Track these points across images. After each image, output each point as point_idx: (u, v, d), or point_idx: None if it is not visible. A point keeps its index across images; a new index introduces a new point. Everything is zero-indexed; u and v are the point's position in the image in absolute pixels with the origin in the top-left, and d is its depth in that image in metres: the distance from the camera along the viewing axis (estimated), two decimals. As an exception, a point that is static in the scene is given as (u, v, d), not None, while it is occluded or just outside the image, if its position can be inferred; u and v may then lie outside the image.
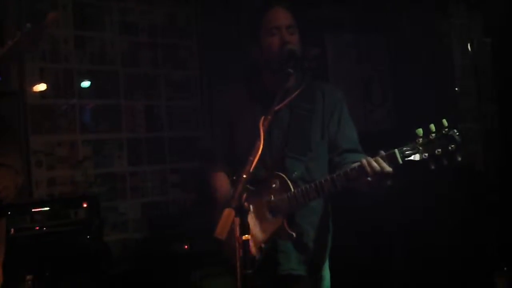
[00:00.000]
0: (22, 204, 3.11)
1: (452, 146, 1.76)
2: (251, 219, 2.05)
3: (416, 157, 1.81)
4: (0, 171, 2.12)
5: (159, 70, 4.10)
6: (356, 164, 1.92)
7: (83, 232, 3.13)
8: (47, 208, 3.11)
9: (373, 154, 1.90)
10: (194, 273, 3.35)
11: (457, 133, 1.76)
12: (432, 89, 3.90)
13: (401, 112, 4.23)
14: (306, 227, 2.15)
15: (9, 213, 2.84)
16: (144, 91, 4.03)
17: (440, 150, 1.77)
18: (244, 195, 1.62)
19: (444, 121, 1.79)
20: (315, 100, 2.20)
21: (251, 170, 1.67)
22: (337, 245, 2.28)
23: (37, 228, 3.05)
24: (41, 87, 3.63)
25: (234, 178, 2.18)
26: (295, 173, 2.10)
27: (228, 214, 1.57)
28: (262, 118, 1.87)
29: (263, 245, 2.06)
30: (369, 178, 1.86)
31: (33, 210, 3.08)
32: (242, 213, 1.61)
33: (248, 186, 1.99)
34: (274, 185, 2.07)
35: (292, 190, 2.03)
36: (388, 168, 1.83)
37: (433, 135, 1.79)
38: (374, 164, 1.84)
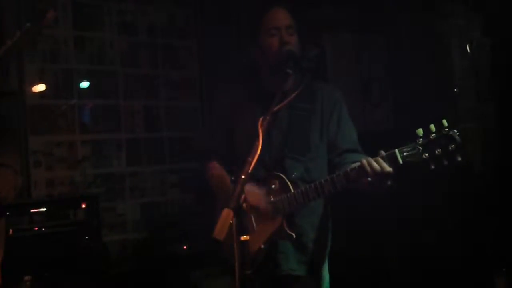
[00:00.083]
0: (21, 205, 3.11)
1: (452, 146, 1.76)
2: (251, 220, 2.05)
3: (417, 157, 1.81)
4: None
5: (158, 70, 4.10)
6: (356, 164, 1.92)
7: (81, 232, 3.13)
8: (46, 209, 3.11)
9: (373, 154, 1.90)
10: (194, 273, 3.35)
11: (457, 133, 1.77)
12: (431, 89, 3.90)
13: (400, 112, 4.23)
14: (306, 227, 2.15)
15: (7, 213, 2.85)
16: (143, 92, 4.03)
17: (440, 150, 1.77)
18: (243, 196, 1.62)
19: (444, 121, 1.79)
20: (314, 100, 2.20)
21: (249, 171, 1.67)
22: (336, 245, 2.28)
23: (36, 228, 3.05)
24: (40, 87, 3.63)
25: (233, 178, 2.18)
26: (295, 173, 2.10)
27: (226, 214, 1.57)
28: (261, 118, 1.87)
29: (262, 246, 2.06)
30: (369, 178, 1.86)
31: (31, 210, 3.08)
32: (240, 213, 1.61)
33: (248, 186, 1.99)
34: (273, 186, 2.07)
35: (292, 190, 2.03)
36: (388, 168, 1.83)
37: (433, 135, 1.79)
38: (374, 164, 1.84)
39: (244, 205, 1.65)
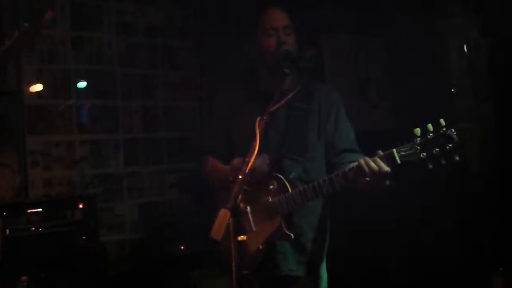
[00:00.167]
0: (18, 205, 3.10)
1: (450, 145, 1.76)
2: (249, 220, 2.05)
3: (414, 156, 1.82)
4: None
5: (157, 70, 4.10)
6: (354, 164, 1.93)
7: (79, 233, 3.12)
8: (43, 209, 3.10)
9: (371, 155, 1.90)
10: (192, 273, 3.35)
11: (455, 133, 1.77)
12: (429, 89, 3.90)
13: (398, 112, 4.24)
14: (305, 228, 2.15)
15: (4, 213, 2.85)
16: (141, 92, 4.03)
17: (438, 149, 1.77)
18: (240, 196, 1.63)
19: (442, 121, 1.79)
20: (311, 100, 2.20)
21: (247, 171, 1.68)
22: (334, 245, 2.28)
23: (33, 228, 3.04)
24: (38, 87, 3.63)
25: (231, 179, 2.18)
26: (293, 174, 2.10)
27: (223, 214, 1.57)
28: (258, 118, 1.87)
29: (261, 246, 2.06)
30: (367, 178, 1.87)
31: (29, 210, 3.07)
32: (237, 214, 1.61)
33: (245, 187, 2.00)
34: (271, 186, 2.07)
35: (290, 191, 2.03)
36: (386, 168, 1.84)
37: (431, 134, 1.79)
38: (372, 164, 1.84)
39: (241, 205, 1.66)
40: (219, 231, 1.55)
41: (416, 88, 3.96)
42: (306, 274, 2.16)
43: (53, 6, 3.66)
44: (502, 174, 3.63)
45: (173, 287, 3.40)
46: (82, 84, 3.80)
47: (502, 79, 3.69)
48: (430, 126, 1.80)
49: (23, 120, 3.55)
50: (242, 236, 1.62)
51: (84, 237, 3.12)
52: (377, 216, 3.65)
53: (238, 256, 1.62)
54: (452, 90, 4.01)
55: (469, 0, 3.86)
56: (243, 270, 1.68)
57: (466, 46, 3.93)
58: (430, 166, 1.80)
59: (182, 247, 3.46)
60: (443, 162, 1.78)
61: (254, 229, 2.05)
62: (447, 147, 1.76)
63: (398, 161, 1.84)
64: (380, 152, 1.87)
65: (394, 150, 1.85)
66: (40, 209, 3.10)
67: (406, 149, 1.83)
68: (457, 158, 1.77)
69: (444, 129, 1.78)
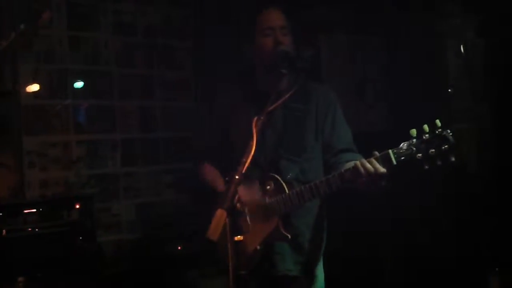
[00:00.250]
0: (15, 205, 3.09)
1: (446, 146, 1.77)
2: (246, 221, 2.05)
3: (410, 157, 1.82)
4: None
5: (154, 70, 4.09)
6: (350, 165, 1.93)
7: (75, 233, 3.12)
8: (40, 209, 3.09)
9: (367, 155, 1.91)
10: (189, 273, 3.35)
11: (451, 134, 1.78)
12: (426, 89, 3.91)
13: (395, 112, 4.24)
14: (302, 228, 2.16)
15: (1, 214, 2.84)
16: (138, 92, 4.02)
17: (433, 150, 1.78)
18: (237, 196, 1.63)
19: (438, 122, 1.80)
20: (308, 101, 2.21)
21: (243, 171, 1.68)
22: (331, 245, 2.28)
23: (30, 229, 3.03)
24: (34, 87, 3.62)
25: (227, 179, 2.18)
26: (290, 174, 2.10)
27: (220, 215, 1.57)
28: (255, 118, 1.87)
29: (258, 247, 2.06)
30: (363, 179, 1.87)
31: (25, 211, 3.06)
32: (234, 214, 1.61)
33: (243, 187, 2.00)
34: (268, 187, 2.07)
35: (287, 191, 2.03)
36: (382, 169, 1.84)
37: (427, 135, 1.80)
38: (368, 165, 1.85)
39: (238, 205, 1.66)
40: (216, 231, 1.56)
41: (413, 88, 3.97)
42: (303, 274, 2.17)
43: (49, 6, 3.65)
44: (498, 174, 3.64)
45: (170, 287, 3.40)
46: (79, 84, 3.79)
47: (499, 79, 3.70)
48: (426, 127, 1.80)
49: (19, 120, 3.54)
50: (239, 236, 1.62)
51: (80, 238, 3.12)
52: (374, 216, 3.65)
53: (235, 256, 1.62)
54: (449, 90, 4.02)
55: (466, 1, 3.87)
56: (240, 270, 1.67)
57: (463, 47, 3.94)
58: (426, 167, 1.80)
59: (179, 247, 3.45)
60: (439, 163, 1.78)
61: (251, 229, 2.05)
62: (443, 148, 1.77)
63: (394, 162, 1.84)
64: (376, 153, 1.87)
65: (390, 151, 1.85)
66: (37, 210, 3.09)
67: (402, 150, 1.83)
68: (453, 159, 1.77)
69: (439, 130, 1.79)
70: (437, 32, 4.00)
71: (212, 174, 2.24)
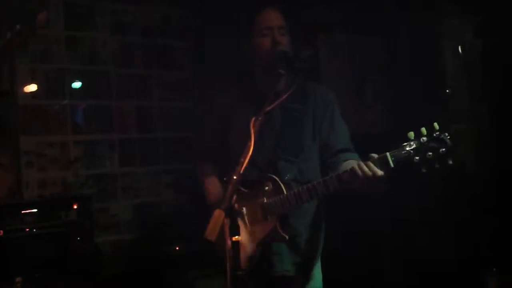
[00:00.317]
0: (12, 205, 3.09)
1: (443, 149, 1.77)
2: (244, 221, 2.05)
3: (408, 160, 1.82)
4: None
5: (152, 70, 4.09)
6: (348, 166, 1.94)
7: (73, 233, 3.11)
8: (38, 209, 3.09)
9: (365, 156, 1.91)
10: (187, 273, 3.34)
11: (448, 137, 1.78)
12: (424, 90, 3.91)
13: (393, 112, 4.24)
14: (299, 228, 2.16)
15: (-2, 214, 2.84)
16: (136, 92, 4.02)
17: (431, 153, 1.78)
18: (234, 196, 1.63)
19: (436, 125, 1.80)
20: (306, 101, 2.21)
21: (241, 171, 1.67)
22: (330, 246, 2.28)
23: (27, 229, 3.03)
24: (32, 87, 3.61)
25: (225, 179, 2.18)
26: (288, 175, 2.10)
27: (218, 215, 1.57)
28: (253, 119, 1.87)
29: (256, 247, 2.06)
30: (361, 181, 1.87)
31: (23, 211, 3.06)
32: (232, 214, 1.61)
33: (241, 187, 2.00)
34: (267, 188, 2.07)
35: (285, 192, 2.03)
36: (380, 172, 1.84)
37: (424, 138, 1.80)
38: (365, 168, 1.85)
39: (236, 205, 1.66)
40: (214, 231, 1.56)
41: (412, 89, 3.97)
42: (301, 274, 2.17)
43: (47, 6, 3.64)
44: (497, 174, 3.64)
45: (169, 288, 3.40)
46: (76, 84, 3.79)
47: (497, 80, 3.71)
48: (424, 130, 1.81)
49: (17, 120, 3.53)
50: (236, 237, 1.62)
51: (78, 238, 3.12)
52: (372, 217, 3.65)
53: (233, 256, 1.61)
54: (447, 90, 4.03)
55: (464, 1, 3.87)
56: (238, 271, 1.67)
57: (461, 47, 3.94)
58: (424, 170, 1.81)
59: (177, 248, 3.45)
60: (437, 166, 1.79)
61: (249, 230, 2.05)
62: (441, 151, 1.77)
63: (392, 165, 1.84)
64: (374, 156, 1.87)
65: (388, 154, 1.85)
66: (35, 210, 3.09)
67: (399, 152, 1.84)
68: (451, 162, 1.78)
69: (437, 133, 1.79)
70: (436, 33, 4.00)
71: (213, 186, 2.24)
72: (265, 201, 2.06)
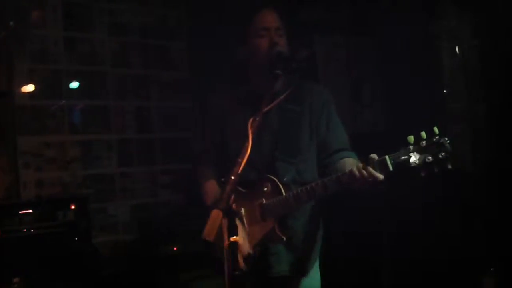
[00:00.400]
0: (10, 206, 3.09)
1: (443, 154, 1.77)
2: (242, 222, 2.05)
3: (407, 164, 1.82)
4: None
5: (150, 71, 4.09)
6: (346, 166, 1.94)
7: (71, 234, 3.11)
8: (35, 210, 3.09)
9: (364, 156, 1.91)
10: (184, 274, 3.34)
11: (448, 141, 1.78)
12: (422, 90, 3.92)
13: (390, 113, 4.25)
14: (297, 229, 2.16)
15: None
16: (134, 92, 4.02)
17: (430, 157, 1.78)
18: (232, 197, 1.63)
19: (435, 129, 1.80)
20: (303, 101, 2.21)
21: (239, 171, 1.67)
22: (327, 246, 2.29)
23: (25, 230, 3.03)
24: (29, 87, 3.61)
25: (223, 180, 2.18)
26: (286, 177, 2.10)
27: (216, 215, 1.57)
28: (251, 119, 1.87)
29: (254, 248, 2.06)
30: (360, 183, 1.88)
31: (20, 211, 3.06)
32: (230, 214, 1.61)
33: (239, 188, 2.00)
34: (265, 189, 2.07)
35: (284, 193, 2.03)
36: (381, 176, 1.85)
37: (424, 142, 1.80)
38: (364, 172, 1.85)
39: (234, 206, 1.66)
40: (212, 232, 1.56)
41: (409, 89, 3.98)
42: (299, 274, 2.17)
43: (44, 6, 3.64)
44: (494, 175, 3.65)
45: (166, 288, 3.40)
46: (74, 85, 3.78)
47: (494, 80, 3.71)
48: (423, 134, 1.81)
49: (14, 120, 3.53)
50: (234, 237, 1.62)
51: (76, 238, 3.12)
52: (369, 217, 3.65)
53: (230, 257, 1.61)
54: (445, 91, 4.03)
55: (462, 2, 3.88)
56: (236, 271, 1.67)
57: (459, 47, 3.95)
58: (423, 174, 1.81)
59: (175, 248, 3.45)
60: (436, 170, 1.79)
61: (247, 231, 2.05)
62: (440, 156, 1.77)
63: (391, 168, 1.84)
64: (373, 157, 1.87)
65: (387, 157, 1.85)
66: (32, 210, 3.08)
67: (398, 156, 1.84)
68: (450, 166, 1.78)
69: (437, 137, 1.79)
70: (433, 33, 4.01)
71: (212, 190, 2.24)
72: (264, 202, 2.06)
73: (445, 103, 4.02)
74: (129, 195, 3.94)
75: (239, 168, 1.69)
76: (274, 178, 2.07)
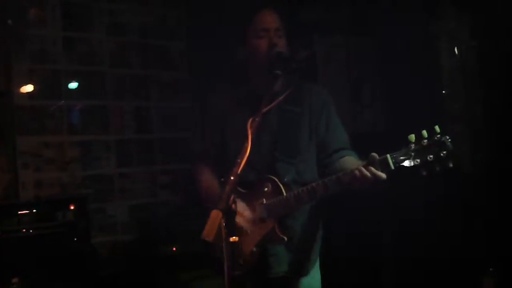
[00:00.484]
0: (9, 206, 3.08)
1: (444, 152, 1.77)
2: (243, 222, 2.05)
3: (408, 163, 1.82)
4: None
5: (149, 71, 4.08)
6: (346, 165, 1.94)
7: (70, 234, 3.11)
8: (34, 210, 3.09)
9: (364, 156, 1.91)
10: (184, 274, 3.34)
11: (449, 140, 1.78)
12: (421, 90, 3.92)
13: (390, 113, 4.25)
14: (297, 229, 2.16)
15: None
16: (133, 92, 4.01)
17: (432, 156, 1.79)
18: (232, 197, 1.62)
19: (437, 127, 1.80)
20: (303, 101, 2.21)
21: (238, 172, 1.67)
22: (328, 245, 2.28)
23: (24, 230, 3.02)
24: (28, 88, 3.61)
25: (222, 180, 2.18)
26: (287, 177, 2.10)
27: (215, 215, 1.57)
28: (250, 119, 1.87)
29: (254, 249, 2.06)
30: (361, 183, 1.88)
31: (19, 212, 3.05)
32: (229, 214, 1.61)
33: (239, 188, 2.00)
34: (266, 189, 2.07)
35: (284, 194, 2.03)
36: (383, 176, 1.85)
37: (425, 141, 1.80)
38: (366, 172, 1.85)
39: (234, 206, 1.65)
40: (211, 232, 1.55)
41: (408, 89, 3.98)
42: (299, 275, 2.16)
43: (44, 6, 3.64)
44: (492, 175, 3.65)
45: (165, 289, 3.39)
46: (73, 85, 3.78)
47: (493, 81, 3.71)
48: (424, 133, 1.81)
49: (13, 121, 3.52)
50: (234, 237, 1.61)
51: (75, 239, 3.12)
52: (369, 217, 3.65)
53: (230, 257, 1.61)
54: (443, 91, 4.03)
55: (461, 2, 3.88)
56: (236, 272, 1.67)
57: (457, 48, 3.95)
58: (424, 173, 1.81)
59: (174, 248, 3.45)
60: (437, 169, 1.79)
61: (248, 231, 2.05)
62: (441, 154, 1.77)
63: (392, 167, 1.84)
64: (374, 156, 1.87)
65: (388, 156, 1.85)
66: (31, 211, 3.08)
67: (400, 155, 1.84)
68: (451, 165, 1.78)
69: (438, 136, 1.79)
70: (432, 34, 4.01)
71: (213, 191, 2.23)
72: (264, 202, 2.06)
73: (443, 103, 4.02)
74: (128, 196, 3.94)
75: (239, 168, 1.69)
76: (275, 178, 2.07)
